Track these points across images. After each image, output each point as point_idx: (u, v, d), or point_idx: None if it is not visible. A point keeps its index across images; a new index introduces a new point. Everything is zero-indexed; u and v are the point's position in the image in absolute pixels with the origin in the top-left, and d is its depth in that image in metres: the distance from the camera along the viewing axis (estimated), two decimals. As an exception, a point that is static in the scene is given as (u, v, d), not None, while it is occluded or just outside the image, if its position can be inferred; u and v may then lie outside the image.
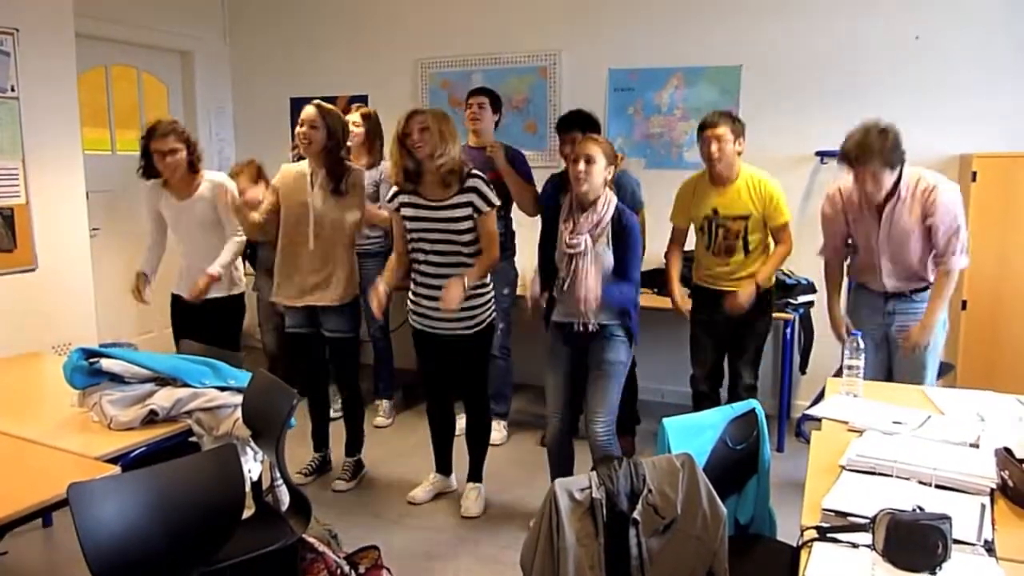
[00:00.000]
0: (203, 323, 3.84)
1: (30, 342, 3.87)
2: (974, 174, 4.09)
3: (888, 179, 3.19)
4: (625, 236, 3.17)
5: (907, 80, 4.37)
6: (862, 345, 2.72)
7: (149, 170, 3.87)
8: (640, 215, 4.03)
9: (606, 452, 3.22)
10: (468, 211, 3.39)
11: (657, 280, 4.73)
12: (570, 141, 3.72)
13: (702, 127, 3.68)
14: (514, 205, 4.34)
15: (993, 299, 4.12)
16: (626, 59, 5.01)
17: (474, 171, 3.46)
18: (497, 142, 4.25)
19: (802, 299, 4.35)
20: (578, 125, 3.84)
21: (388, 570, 2.99)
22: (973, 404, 2.60)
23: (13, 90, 4.17)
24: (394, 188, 3.54)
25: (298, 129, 3.65)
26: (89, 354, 2.73)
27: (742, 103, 4.74)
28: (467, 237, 3.43)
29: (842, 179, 3.45)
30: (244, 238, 3.94)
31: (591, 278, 3.11)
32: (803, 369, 4.56)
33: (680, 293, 3.94)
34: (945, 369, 3.78)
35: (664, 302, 4.50)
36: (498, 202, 3.48)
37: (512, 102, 5.31)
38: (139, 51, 5.64)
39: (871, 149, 3.15)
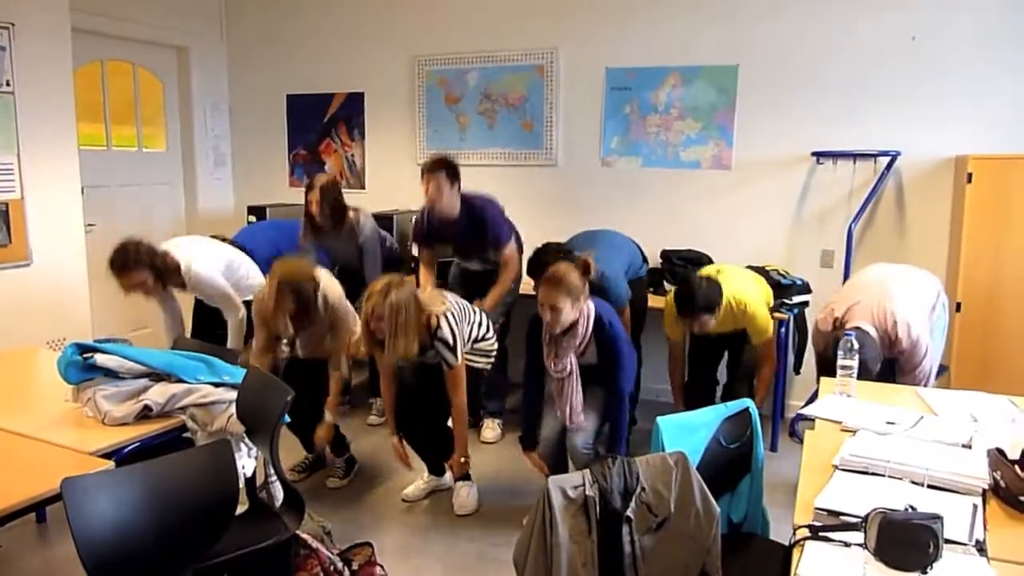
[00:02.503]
0: (223, 327, 3.92)
1: (24, 337, 3.87)
2: (969, 175, 4.10)
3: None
4: (608, 346, 3.29)
5: (903, 81, 4.38)
6: (856, 346, 2.72)
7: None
8: (624, 313, 4.04)
9: (586, 461, 3.26)
10: (439, 360, 3.47)
11: (653, 279, 4.75)
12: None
13: (681, 313, 3.71)
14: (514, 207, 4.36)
15: (987, 301, 4.13)
16: (623, 58, 5.01)
17: (439, 334, 3.41)
18: (480, 301, 4.14)
19: (797, 299, 4.35)
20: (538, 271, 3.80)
21: (381, 567, 2.99)
22: (966, 405, 2.61)
23: (8, 85, 4.16)
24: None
25: (273, 317, 3.58)
26: (83, 349, 2.72)
27: (739, 102, 4.74)
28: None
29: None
30: (243, 314, 3.92)
31: (576, 395, 3.32)
32: (797, 369, 4.57)
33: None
34: (939, 370, 3.80)
35: (660, 301, 4.52)
36: (459, 362, 3.47)
37: (509, 100, 5.31)
38: (135, 46, 5.63)
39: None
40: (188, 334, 4.08)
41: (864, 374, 2.83)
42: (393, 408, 3.68)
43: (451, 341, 3.42)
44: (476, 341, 3.68)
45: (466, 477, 3.73)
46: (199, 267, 3.79)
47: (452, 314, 3.48)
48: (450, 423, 3.63)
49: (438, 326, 3.41)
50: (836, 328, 3.38)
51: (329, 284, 3.73)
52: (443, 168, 4.13)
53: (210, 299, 3.82)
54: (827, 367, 3.12)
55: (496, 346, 3.82)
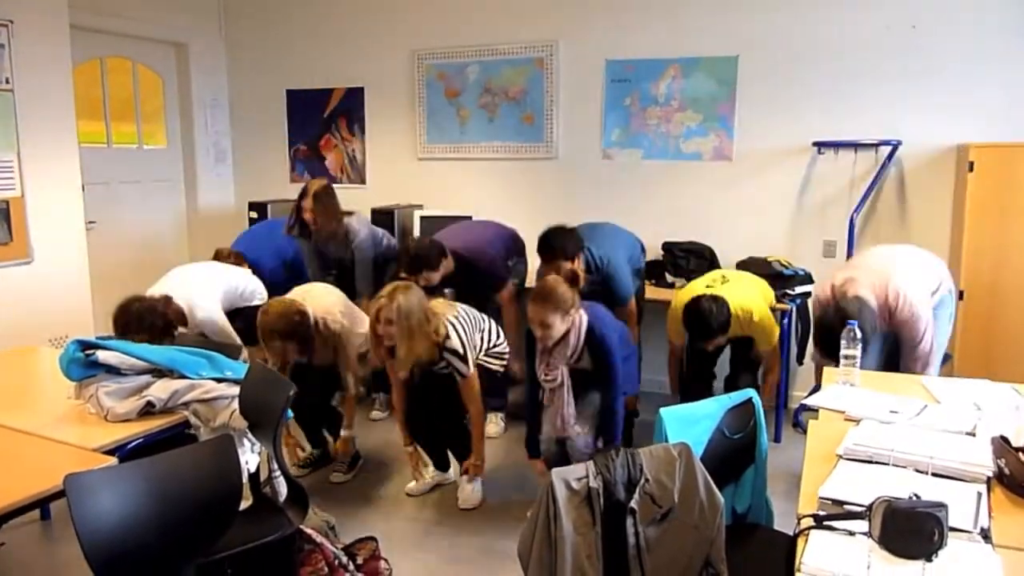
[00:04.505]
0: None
1: (26, 335, 3.87)
2: (971, 164, 4.09)
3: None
4: (600, 353, 3.28)
5: (904, 69, 4.36)
6: (859, 335, 2.71)
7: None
8: (628, 306, 4.10)
9: (583, 459, 3.27)
10: (451, 370, 3.48)
11: (655, 271, 4.75)
12: (550, 269, 3.78)
13: (697, 337, 3.73)
14: (515, 200, 4.34)
15: (990, 289, 4.12)
16: (623, 50, 5.00)
17: (448, 344, 3.42)
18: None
19: (799, 290, 4.35)
20: (551, 253, 3.90)
21: (386, 560, 2.99)
22: (970, 393, 2.60)
23: (8, 82, 4.15)
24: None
25: (270, 355, 3.62)
26: (85, 346, 2.72)
27: (739, 94, 4.73)
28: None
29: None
30: (244, 355, 3.83)
31: (568, 407, 3.32)
32: (800, 359, 4.57)
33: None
34: (942, 359, 3.79)
35: (662, 293, 4.53)
36: (471, 372, 3.49)
37: (508, 94, 5.30)
38: (134, 43, 5.62)
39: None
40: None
41: (863, 347, 2.81)
42: (405, 415, 3.69)
43: (461, 351, 3.43)
44: (489, 348, 3.69)
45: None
46: (202, 313, 3.72)
47: (461, 322, 3.49)
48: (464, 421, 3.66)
49: (447, 336, 3.42)
50: (834, 295, 3.37)
51: (324, 307, 3.71)
52: (419, 262, 4.07)
53: (212, 335, 3.80)
54: (826, 333, 3.12)
55: (508, 348, 3.83)
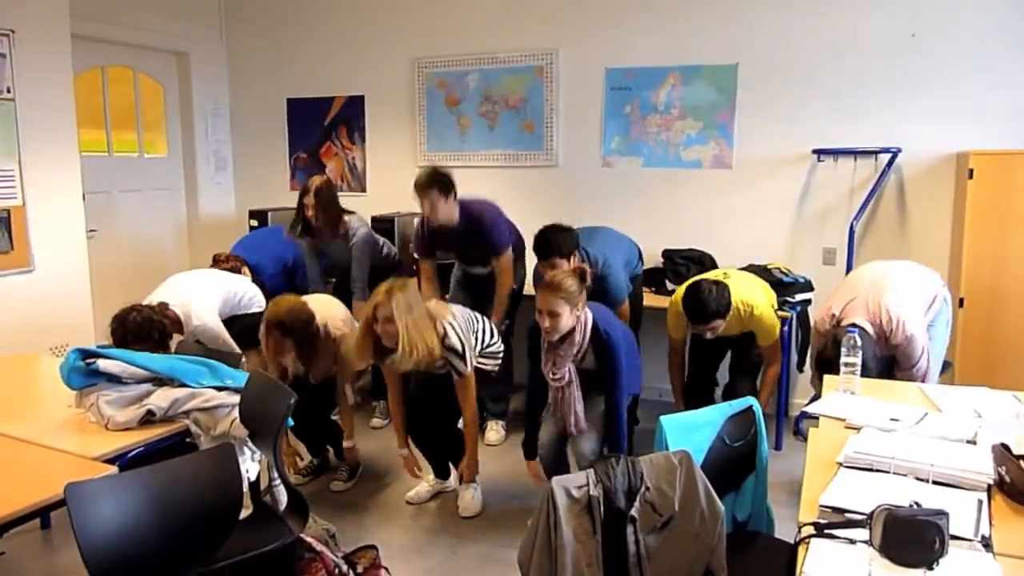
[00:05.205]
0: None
1: (27, 343, 3.87)
2: (971, 171, 4.09)
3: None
4: (605, 352, 3.26)
5: (904, 77, 4.37)
6: (859, 343, 2.72)
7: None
8: (622, 308, 4.08)
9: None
10: (448, 369, 3.45)
11: (654, 278, 4.75)
12: (548, 266, 3.81)
13: (694, 320, 3.68)
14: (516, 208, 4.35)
15: (990, 296, 4.12)
16: (623, 58, 5.01)
17: (447, 343, 3.39)
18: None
19: (799, 297, 4.35)
20: (548, 251, 3.88)
21: (386, 569, 2.98)
22: (970, 400, 2.60)
23: (9, 91, 4.16)
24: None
25: (268, 353, 3.59)
26: (86, 355, 2.72)
27: (739, 101, 4.74)
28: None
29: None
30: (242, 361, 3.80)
31: (578, 403, 3.29)
32: (800, 367, 4.57)
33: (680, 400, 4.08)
34: (943, 366, 3.79)
35: (661, 301, 4.53)
36: (470, 371, 3.47)
37: (509, 102, 5.31)
38: (135, 52, 5.64)
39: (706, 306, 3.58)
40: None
41: (864, 373, 2.82)
42: (403, 419, 3.68)
43: (460, 349, 3.41)
44: (484, 348, 3.68)
45: (471, 480, 3.73)
46: (198, 321, 3.70)
47: (458, 321, 3.47)
48: (460, 424, 3.64)
49: (445, 334, 3.39)
50: (835, 327, 3.39)
51: (326, 315, 3.72)
52: (433, 185, 4.08)
53: (209, 343, 3.79)
54: (826, 366, 3.12)
55: (503, 348, 3.82)
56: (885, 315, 3.33)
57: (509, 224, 4.43)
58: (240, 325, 3.93)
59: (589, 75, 5.10)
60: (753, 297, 3.79)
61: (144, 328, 3.30)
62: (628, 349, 3.48)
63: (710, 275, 3.94)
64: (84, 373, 2.69)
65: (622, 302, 4.11)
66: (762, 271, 4.36)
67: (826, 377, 3.01)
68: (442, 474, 3.87)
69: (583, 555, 1.91)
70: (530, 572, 1.93)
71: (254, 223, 5.50)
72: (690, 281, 3.76)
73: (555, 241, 3.89)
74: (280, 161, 6.17)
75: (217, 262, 4.39)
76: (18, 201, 4.25)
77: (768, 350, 3.89)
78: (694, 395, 3.98)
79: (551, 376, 3.30)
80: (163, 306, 3.55)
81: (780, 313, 4.17)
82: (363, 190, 5.88)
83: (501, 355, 3.81)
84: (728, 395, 3.95)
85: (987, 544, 1.66)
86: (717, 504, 1.98)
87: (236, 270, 4.34)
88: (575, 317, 3.20)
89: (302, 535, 2.63)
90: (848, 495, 1.86)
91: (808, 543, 1.69)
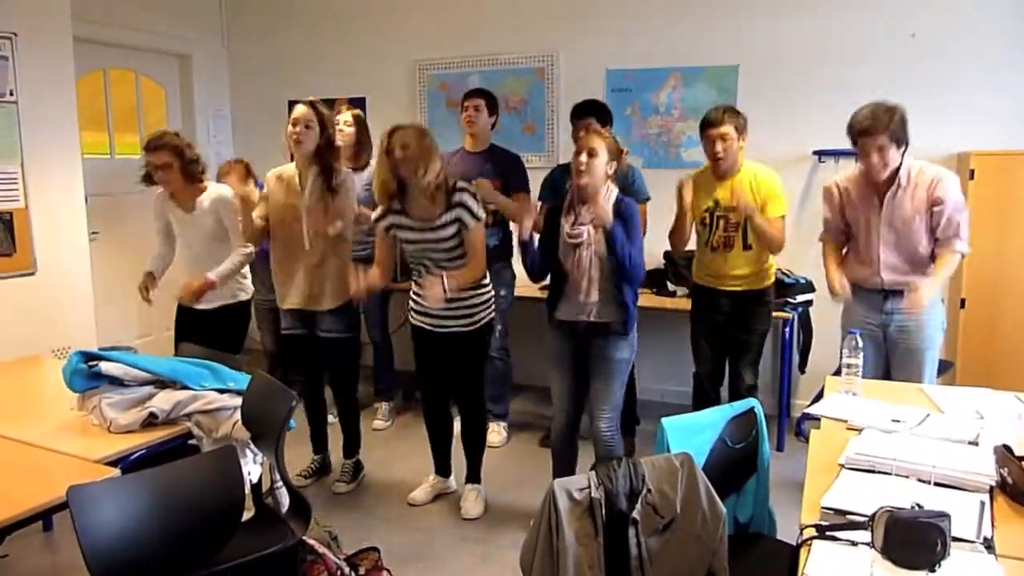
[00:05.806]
0: (206, 330, 3.75)
1: (29, 346, 3.87)
2: (972, 172, 4.10)
3: (893, 156, 3.18)
4: (625, 223, 3.16)
5: (904, 78, 4.36)
6: (860, 344, 2.72)
7: (149, 178, 3.84)
8: (643, 208, 4.12)
9: (611, 448, 3.25)
10: (457, 227, 3.38)
11: (656, 279, 4.75)
12: (584, 128, 3.85)
13: (706, 125, 3.62)
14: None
15: (992, 297, 4.12)
16: (623, 59, 5.01)
17: (460, 184, 3.44)
18: (483, 181, 4.18)
19: (801, 298, 4.35)
20: (592, 113, 4.05)
21: (388, 571, 2.99)
22: (972, 402, 2.60)
23: (12, 94, 4.17)
24: (378, 210, 3.53)
25: (291, 128, 3.65)
26: (88, 357, 2.73)
27: (740, 103, 4.73)
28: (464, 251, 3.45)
29: (840, 175, 3.46)
30: (250, 249, 3.85)
31: (594, 268, 3.17)
32: (802, 368, 4.57)
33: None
34: (944, 367, 3.78)
35: (663, 302, 4.53)
36: (483, 215, 3.46)
37: (510, 103, 5.31)
38: (137, 54, 5.64)
39: (880, 121, 3.17)
40: (170, 336, 4.05)
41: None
42: (422, 377, 3.72)
43: (471, 194, 3.42)
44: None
45: (474, 481, 3.73)
46: (228, 191, 3.94)
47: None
48: (457, 429, 3.63)
49: (456, 185, 3.41)
50: None
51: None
52: (484, 95, 4.37)
53: (231, 222, 3.79)
54: None
55: (493, 293, 3.67)
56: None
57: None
58: (237, 316, 3.97)
59: (590, 76, 5.10)
60: (766, 169, 3.72)
61: (172, 145, 3.76)
62: (639, 245, 3.29)
63: None
64: (86, 376, 2.69)
65: (646, 199, 4.25)
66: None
67: (828, 378, 3.00)
68: (443, 472, 3.87)
69: (585, 558, 1.91)
70: (532, 574, 1.93)
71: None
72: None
73: (596, 106, 4.16)
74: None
75: (224, 173, 4.64)
76: (20, 204, 4.26)
77: (776, 224, 3.66)
78: (703, 399, 3.90)
79: (569, 232, 3.18)
80: (197, 154, 3.90)
81: (781, 314, 4.17)
82: (364, 192, 5.88)
83: (492, 300, 3.65)
84: (733, 385, 3.87)
85: (989, 546, 1.66)
86: (719, 506, 1.98)
87: (244, 179, 4.59)
88: (606, 171, 3.16)
89: (304, 537, 2.63)
90: (850, 497, 1.86)
91: (810, 545, 1.69)
